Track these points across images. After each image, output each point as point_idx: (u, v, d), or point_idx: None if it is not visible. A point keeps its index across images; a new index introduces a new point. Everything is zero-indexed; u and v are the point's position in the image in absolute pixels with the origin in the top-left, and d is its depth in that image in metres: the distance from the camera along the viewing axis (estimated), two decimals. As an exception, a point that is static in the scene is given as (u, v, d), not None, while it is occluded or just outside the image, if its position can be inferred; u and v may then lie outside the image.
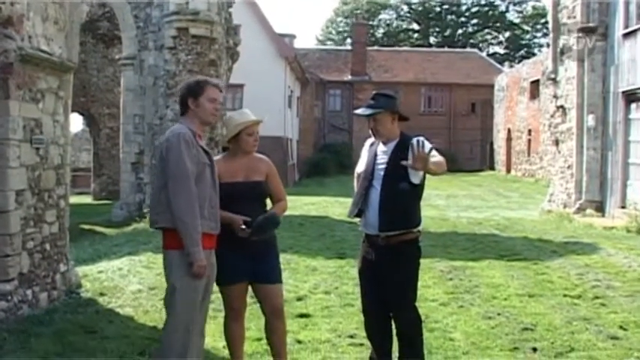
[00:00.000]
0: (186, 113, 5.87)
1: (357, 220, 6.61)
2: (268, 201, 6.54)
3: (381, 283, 6.27)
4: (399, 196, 6.17)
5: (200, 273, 5.58)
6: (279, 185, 6.62)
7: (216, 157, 6.35)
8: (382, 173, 6.25)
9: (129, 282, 11.09)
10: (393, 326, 6.44)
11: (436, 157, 6.10)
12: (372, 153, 6.45)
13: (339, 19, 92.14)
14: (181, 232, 5.55)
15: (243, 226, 6.05)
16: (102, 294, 10.16)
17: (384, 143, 6.37)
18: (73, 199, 20.18)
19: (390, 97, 6.47)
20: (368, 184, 6.32)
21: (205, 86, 5.86)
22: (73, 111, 18.60)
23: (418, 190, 6.31)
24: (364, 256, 6.47)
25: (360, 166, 6.66)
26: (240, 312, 6.45)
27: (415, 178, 6.16)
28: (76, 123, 49.36)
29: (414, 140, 5.97)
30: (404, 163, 5.96)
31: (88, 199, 38.40)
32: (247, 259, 6.19)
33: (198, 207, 5.55)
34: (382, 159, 6.32)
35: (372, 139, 6.62)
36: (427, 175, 6.24)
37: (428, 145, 5.96)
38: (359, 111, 6.50)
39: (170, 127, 6.01)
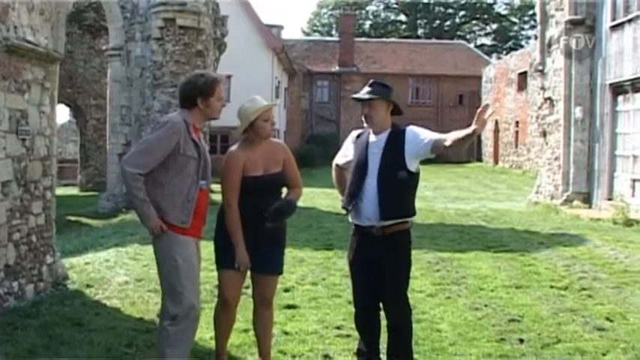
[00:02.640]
0: (191, 109, 5.90)
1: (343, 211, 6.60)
2: None
3: (374, 274, 6.25)
4: (398, 185, 6.16)
5: (156, 232, 5.70)
6: (295, 171, 6.66)
7: (232, 148, 6.38)
8: (377, 163, 6.21)
9: (116, 273, 11.06)
10: (381, 318, 6.46)
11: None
12: (363, 144, 6.40)
13: (324, 11, 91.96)
14: (127, 191, 5.85)
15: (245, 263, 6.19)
16: (88, 286, 10.13)
17: (376, 134, 6.33)
18: (60, 191, 20.16)
19: (387, 86, 6.44)
20: (363, 175, 6.28)
21: (216, 86, 5.92)
22: (59, 102, 18.53)
23: (415, 178, 6.31)
24: (356, 248, 6.42)
25: (341, 158, 6.68)
26: (231, 302, 6.43)
27: (412, 166, 6.18)
28: (63, 114, 49.39)
29: (483, 105, 5.97)
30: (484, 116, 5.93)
31: (74, 191, 38.30)
32: (251, 249, 6.18)
33: (141, 179, 5.63)
34: (376, 149, 6.27)
35: (358, 131, 6.60)
36: (420, 165, 6.30)
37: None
38: (356, 95, 6.48)
39: (168, 115, 6.10)
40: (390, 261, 6.19)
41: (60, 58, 10.24)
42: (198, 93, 5.85)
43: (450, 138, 6.05)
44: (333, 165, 6.84)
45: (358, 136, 6.56)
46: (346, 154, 6.64)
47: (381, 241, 6.20)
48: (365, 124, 6.44)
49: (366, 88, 6.39)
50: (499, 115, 52.01)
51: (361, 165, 6.32)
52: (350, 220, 6.49)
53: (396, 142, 6.18)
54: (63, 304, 8.95)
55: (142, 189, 5.61)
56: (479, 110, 5.89)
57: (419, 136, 6.18)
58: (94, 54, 39.23)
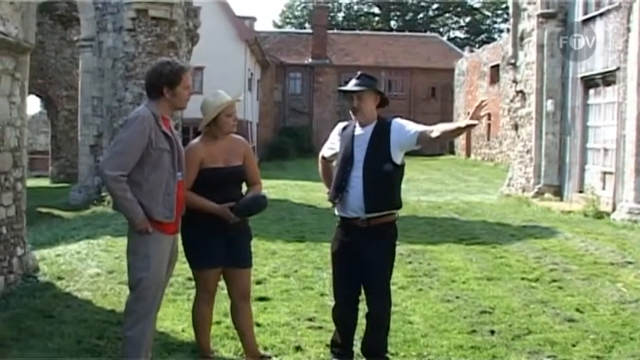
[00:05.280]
0: (157, 99, 5.80)
1: (328, 204, 6.61)
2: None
3: (357, 265, 6.27)
4: (383, 178, 6.20)
5: (143, 229, 5.65)
6: (255, 168, 6.64)
7: (194, 141, 6.37)
8: (363, 155, 6.23)
9: (87, 265, 11.00)
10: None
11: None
12: (349, 136, 6.41)
13: (297, 3, 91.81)
14: (110, 194, 5.80)
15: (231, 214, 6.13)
16: (60, 278, 10.07)
17: (362, 126, 6.34)
18: (31, 182, 20.02)
19: (374, 79, 6.45)
20: (349, 168, 6.28)
21: (182, 75, 5.82)
22: (30, 93, 18.44)
23: (400, 170, 6.35)
24: (341, 239, 6.44)
25: (327, 150, 6.68)
26: (214, 295, 6.52)
27: (398, 158, 6.22)
28: (34, 105, 48.90)
29: (480, 101, 6.04)
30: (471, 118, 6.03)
31: (45, 182, 38.03)
32: (223, 243, 6.22)
33: (124, 180, 5.55)
34: (361, 141, 6.29)
35: (344, 123, 6.61)
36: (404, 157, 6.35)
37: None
38: (344, 87, 6.47)
39: (135, 109, 5.98)
40: (374, 252, 6.22)
41: (31, 49, 10.16)
42: (165, 82, 5.75)
43: (437, 129, 6.13)
44: (319, 157, 6.83)
45: (344, 129, 6.56)
46: (332, 146, 6.64)
47: (366, 233, 6.22)
48: (353, 117, 6.43)
49: (354, 81, 6.38)
50: (471, 108, 52.02)
51: (347, 157, 6.33)
52: (336, 212, 6.50)
53: (381, 134, 6.22)
54: (33, 297, 8.90)
55: (127, 189, 5.54)
56: (475, 105, 5.95)
57: (405, 127, 6.22)
58: (65, 44, 38.94)
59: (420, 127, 6.18)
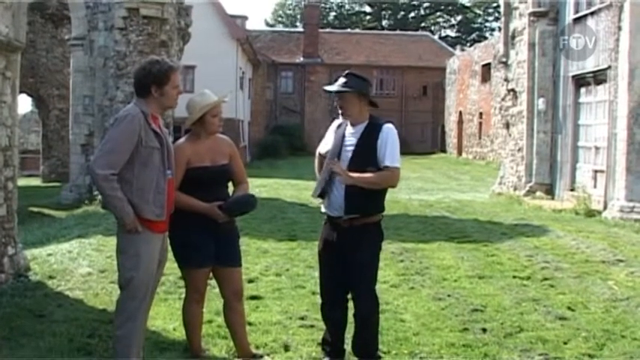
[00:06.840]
0: (146, 97, 5.78)
1: (316, 202, 6.59)
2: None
3: (342, 264, 6.26)
4: None
5: (132, 229, 5.65)
6: (241, 167, 6.65)
7: (180, 140, 6.36)
8: (350, 155, 6.21)
9: (78, 265, 10.97)
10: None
11: (368, 175, 6.10)
12: (340, 134, 6.39)
13: (289, 2, 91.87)
14: (100, 193, 5.78)
15: (220, 213, 6.14)
16: (51, 277, 10.04)
17: (353, 125, 6.31)
18: (22, 182, 19.94)
19: (362, 79, 6.37)
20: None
21: (171, 74, 5.79)
22: (21, 92, 18.31)
23: None
24: (326, 238, 6.44)
25: (324, 146, 6.64)
26: (204, 294, 6.53)
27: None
28: (25, 104, 48.81)
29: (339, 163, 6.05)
30: (334, 168, 6.06)
31: (37, 182, 37.91)
32: (212, 242, 6.23)
33: (114, 179, 5.54)
34: (350, 141, 6.27)
35: (339, 121, 6.57)
36: None
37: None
38: (328, 87, 6.44)
39: (125, 107, 5.95)
40: (357, 252, 6.20)
41: (21, 48, 10.13)
42: (152, 81, 5.73)
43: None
44: (316, 154, 6.80)
45: (339, 126, 6.53)
46: (328, 142, 6.60)
47: (350, 233, 6.20)
48: (340, 116, 6.41)
49: (341, 80, 6.32)
50: (463, 106, 52.30)
51: (334, 156, 6.30)
52: (322, 209, 6.49)
53: (370, 137, 6.17)
54: (25, 296, 8.87)
55: (118, 188, 5.54)
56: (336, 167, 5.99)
57: (386, 147, 6.14)
58: (56, 43, 38.83)
59: (387, 161, 6.11)
